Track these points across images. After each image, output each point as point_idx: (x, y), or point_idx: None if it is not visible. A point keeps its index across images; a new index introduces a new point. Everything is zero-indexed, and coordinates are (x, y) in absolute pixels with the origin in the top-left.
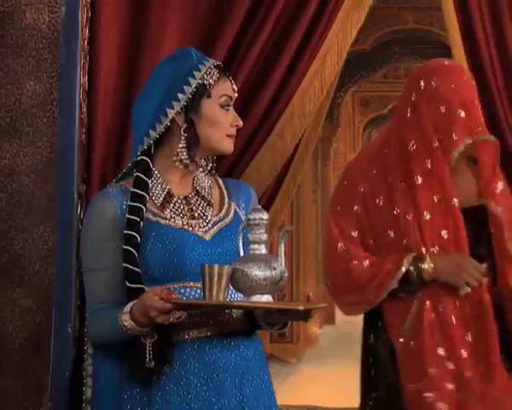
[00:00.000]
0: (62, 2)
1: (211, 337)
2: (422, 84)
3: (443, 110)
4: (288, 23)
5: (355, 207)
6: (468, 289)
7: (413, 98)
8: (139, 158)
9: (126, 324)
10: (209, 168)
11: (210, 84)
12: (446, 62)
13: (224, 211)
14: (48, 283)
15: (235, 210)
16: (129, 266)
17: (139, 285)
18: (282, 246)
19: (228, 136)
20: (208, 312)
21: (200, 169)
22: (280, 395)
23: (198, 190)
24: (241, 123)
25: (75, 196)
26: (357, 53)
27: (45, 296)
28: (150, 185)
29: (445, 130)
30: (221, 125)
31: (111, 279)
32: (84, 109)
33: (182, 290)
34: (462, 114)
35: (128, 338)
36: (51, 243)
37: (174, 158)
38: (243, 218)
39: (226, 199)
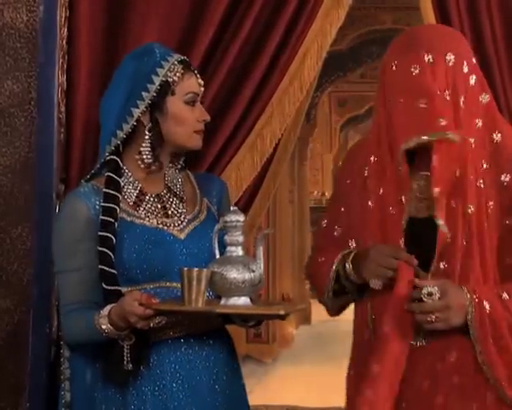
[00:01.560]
0: (40, 2)
1: (186, 337)
2: (384, 65)
3: (400, 100)
4: (267, 22)
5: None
6: (379, 283)
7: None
8: (108, 158)
9: (104, 327)
10: (179, 166)
11: (174, 81)
12: (413, 35)
13: (197, 208)
14: (26, 283)
15: (207, 207)
16: (105, 268)
17: (116, 287)
18: (261, 249)
19: (195, 132)
20: (185, 316)
21: (170, 165)
22: (256, 394)
23: (170, 187)
24: (208, 117)
25: (53, 195)
26: (335, 53)
27: (23, 296)
28: (122, 184)
29: (398, 123)
30: (187, 123)
31: (85, 280)
32: (63, 109)
33: (158, 290)
34: (423, 104)
35: (104, 340)
36: (29, 243)
37: (137, 157)
38: (216, 213)
39: (198, 195)
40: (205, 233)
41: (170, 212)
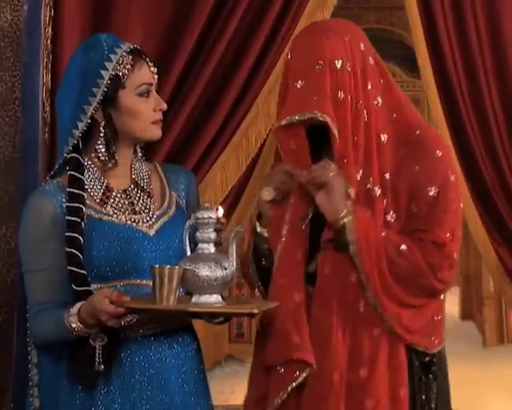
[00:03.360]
0: (25, 1)
1: (156, 335)
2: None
3: (287, 82)
4: (252, 22)
5: None
6: (271, 191)
7: None
8: (70, 155)
9: (74, 325)
10: (141, 156)
11: (124, 74)
12: (314, 25)
13: (166, 203)
14: (10, 283)
15: (176, 201)
16: (74, 269)
17: (86, 288)
18: (234, 246)
19: (153, 123)
20: (156, 314)
21: (135, 157)
22: (238, 394)
23: (137, 182)
24: (164, 106)
25: None
26: None
27: (8, 297)
28: (88, 181)
29: (280, 105)
30: (143, 115)
31: (53, 280)
32: (48, 108)
33: (128, 288)
34: (298, 83)
35: (74, 338)
36: (14, 243)
37: (93, 155)
38: (184, 207)
39: (167, 189)
40: (174, 229)
41: (137, 208)
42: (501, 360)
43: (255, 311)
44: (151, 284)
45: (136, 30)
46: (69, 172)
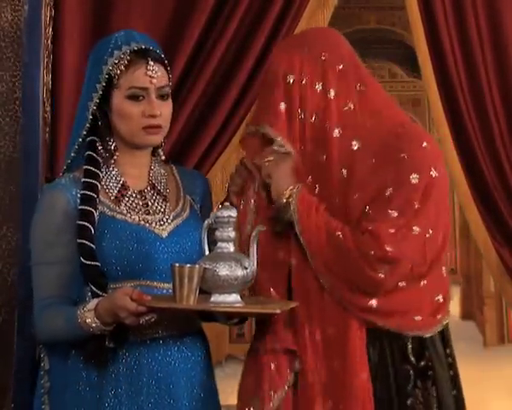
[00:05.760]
0: (25, 1)
1: (166, 338)
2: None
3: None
4: (252, 23)
5: None
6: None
7: None
8: (87, 153)
9: (89, 321)
10: (162, 159)
11: (115, 74)
12: (297, 37)
13: (180, 206)
14: (11, 283)
15: (190, 204)
16: (87, 262)
17: (100, 279)
18: (255, 246)
19: (144, 128)
20: (175, 313)
21: (154, 159)
22: None
23: (154, 185)
24: (155, 112)
25: (38, 195)
26: None
27: (8, 297)
28: (104, 177)
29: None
30: (130, 119)
31: (61, 274)
32: (48, 108)
33: (138, 289)
34: (268, 93)
35: (84, 336)
36: (14, 243)
37: (97, 151)
38: (198, 211)
39: (182, 192)
40: (187, 232)
41: (151, 209)
42: (501, 360)
43: (277, 311)
44: (162, 285)
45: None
46: (85, 166)
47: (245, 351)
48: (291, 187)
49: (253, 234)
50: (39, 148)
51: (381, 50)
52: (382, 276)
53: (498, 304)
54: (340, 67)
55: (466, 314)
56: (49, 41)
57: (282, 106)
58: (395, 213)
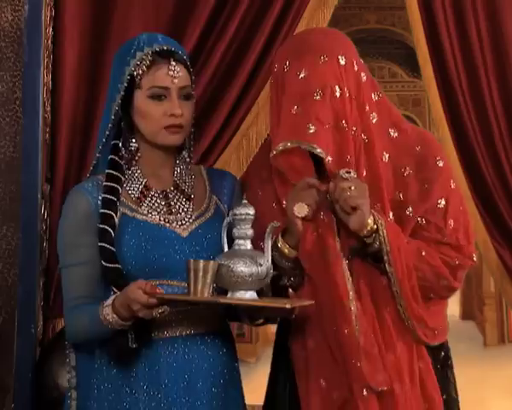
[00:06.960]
0: (25, 1)
1: (185, 337)
2: (277, 66)
3: (282, 103)
4: (252, 23)
5: None
6: (305, 207)
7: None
8: (109, 157)
9: (108, 317)
10: (188, 159)
11: (138, 75)
12: (304, 40)
13: (204, 206)
14: (11, 283)
15: (216, 204)
16: (108, 264)
17: (120, 280)
18: (269, 242)
19: (166, 128)
20: (190, 308)
21: (178, 159)
22: None
23: (178, 184)
24: (176, 111)
25: (39, 195)
26: None
27: (8, 297)
28: (127, 179)
29: (273, 125)
30: (152, 118)
31: (87, 274)
32: (48, 108)
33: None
34: (294, 109)
35: (107, 333)
36: (14, 243)
37: (120, 153)
38: (225, 211)
39: (208, 192)
40: (209, 232)
41: (174, 209)
42: (501, 360)
43: (288, 305)
44: (183, 284)
45: (135, 30)
46: (107, 171)
47: (245, 351)
48: (376, 216)
49: (268, 230)
50: (39, 148)
51: (381, 50)
52: (458, 283)
53: (498, 304)
54: (364, 77)
55: (466, 314)
56: (50, 41)
57: (331, 121)
58: (452, 222)
